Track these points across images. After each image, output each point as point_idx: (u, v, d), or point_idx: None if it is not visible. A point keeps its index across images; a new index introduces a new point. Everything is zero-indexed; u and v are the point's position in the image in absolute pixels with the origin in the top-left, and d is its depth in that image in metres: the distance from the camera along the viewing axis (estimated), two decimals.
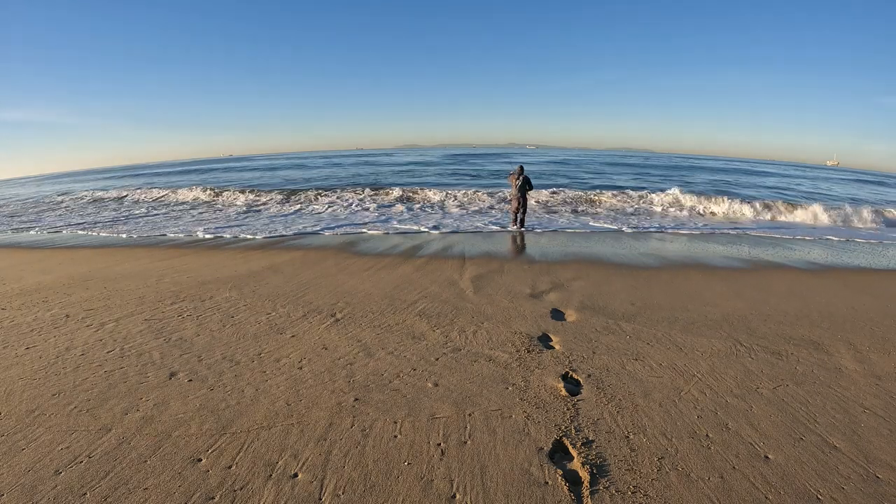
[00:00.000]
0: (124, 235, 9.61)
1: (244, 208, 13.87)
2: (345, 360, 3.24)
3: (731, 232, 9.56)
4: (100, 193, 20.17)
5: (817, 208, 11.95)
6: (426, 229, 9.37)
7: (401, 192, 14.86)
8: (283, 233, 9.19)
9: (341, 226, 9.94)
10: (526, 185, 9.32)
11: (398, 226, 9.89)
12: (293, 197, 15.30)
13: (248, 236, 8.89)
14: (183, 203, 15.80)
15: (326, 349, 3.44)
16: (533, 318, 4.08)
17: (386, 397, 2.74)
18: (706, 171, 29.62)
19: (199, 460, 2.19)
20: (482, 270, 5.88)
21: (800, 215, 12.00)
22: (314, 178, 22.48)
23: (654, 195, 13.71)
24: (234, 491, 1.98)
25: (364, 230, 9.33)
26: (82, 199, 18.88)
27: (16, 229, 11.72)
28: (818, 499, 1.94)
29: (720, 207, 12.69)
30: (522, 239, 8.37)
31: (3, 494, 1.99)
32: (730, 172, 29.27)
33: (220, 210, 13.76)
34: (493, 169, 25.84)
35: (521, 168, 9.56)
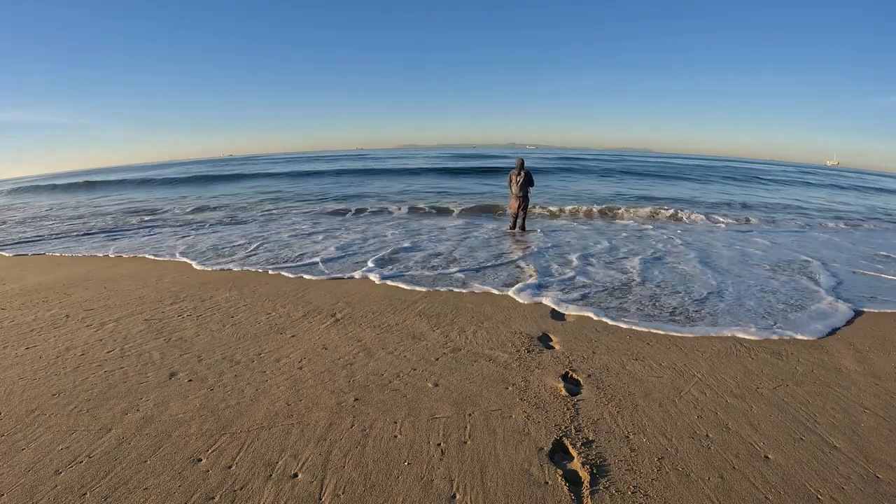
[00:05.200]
0: None
1: None
2: (345, 360, 3.24)
3: None
4: None
5: None
6: None
7: None
8: None
9: None
10: (528, 183, 8.44)
11: None
12: None
13: None
14: None
15: (326, 349, 3.44)
16: (533, 318, 4.08)
17: (386, 397, 2.74)
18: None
19: (199, 460, 2.19)
20: None
21: None
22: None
23: None
24: (234, 491, 1.98)
25: None
26: None
27: None
28: (818, 499, 1.94)
29: None
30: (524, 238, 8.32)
31: (3, 494, 1.99)
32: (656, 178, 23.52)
33: None
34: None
35: (522, 162, 8.40)
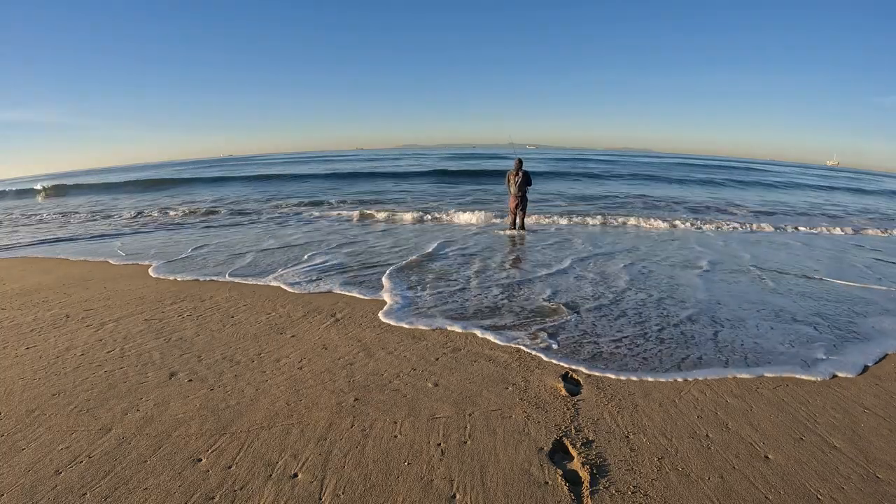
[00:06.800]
0: None
1: None
2: (345, 360, 3.24)
3: None
4: None
5: None
6: None
7: None
8: None
9: None
10: (525, 183, 8.62)
11: None
12: None
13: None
14: None
15: (326, 349, 3.44)
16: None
17: (386, 397, 2.74)
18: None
19: (199, 460, 2.19)
20: None
21: None
22: None
23: None
24: (234, 491, 1.98)
25: None
26: None
27: None
28: (818, 499, 1.94)
29: None
30: (523, 240, 8.30)
31: (3, 494, 1.99)
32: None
33: None
34: None
35: (520, 162, 8.61)
